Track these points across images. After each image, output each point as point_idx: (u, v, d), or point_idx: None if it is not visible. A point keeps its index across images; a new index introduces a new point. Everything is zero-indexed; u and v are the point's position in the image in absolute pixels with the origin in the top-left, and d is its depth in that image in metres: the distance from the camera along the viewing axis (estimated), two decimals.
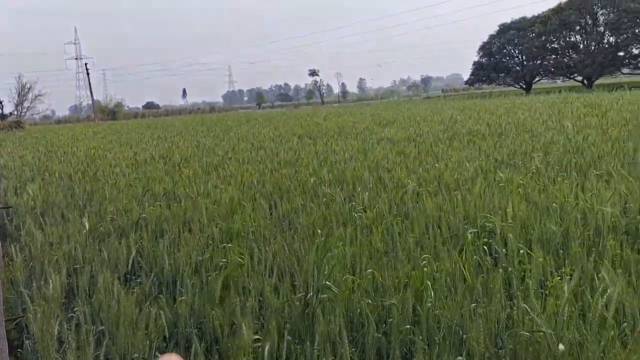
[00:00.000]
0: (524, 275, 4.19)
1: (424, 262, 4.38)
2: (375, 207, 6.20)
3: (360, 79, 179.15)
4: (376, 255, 4.78)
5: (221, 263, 4.68)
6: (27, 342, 3.74)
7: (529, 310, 3.29)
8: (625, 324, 3.40)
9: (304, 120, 27.68)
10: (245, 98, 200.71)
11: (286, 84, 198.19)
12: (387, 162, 9.52)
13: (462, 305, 3.63)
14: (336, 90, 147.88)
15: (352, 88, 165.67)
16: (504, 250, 4.74)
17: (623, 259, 4.32)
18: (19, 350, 3.75)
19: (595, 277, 4.02)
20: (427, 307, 3.59)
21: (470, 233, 5.05)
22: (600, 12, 49.20)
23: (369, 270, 4.28)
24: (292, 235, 5.30)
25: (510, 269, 4.24)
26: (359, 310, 3.74)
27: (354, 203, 6.50)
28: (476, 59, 57.85)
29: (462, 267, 4.27)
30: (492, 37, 56.79)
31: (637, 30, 46.67)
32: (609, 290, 3.72)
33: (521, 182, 7.11)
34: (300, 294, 3.98)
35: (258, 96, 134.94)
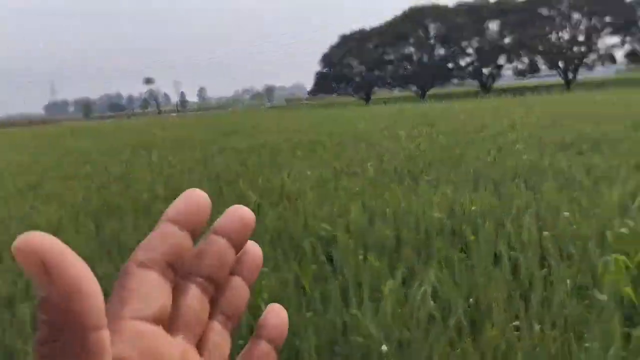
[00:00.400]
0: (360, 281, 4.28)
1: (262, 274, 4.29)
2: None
3: (201, 87, 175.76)
4: None
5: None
6: None
7: (359, 316, 3.34)
8: (451, 320, 3.61)
9: (138, 131, 26.52)
10: (72, 109, 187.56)
11: (118, 93, 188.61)
12: (229, 174, 9.36)
13: (298, 315, 3.61)
14: (174, 99, 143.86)
15: (192, 97, 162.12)
16: (343, 256, 4.84)
17: (448, 258, 4.60)
18: None
19: (426, 277, 4.23)
20: None
21: (309, 242, 5.07)
22: (432, 26, 53.59)
23: None
24: (120, 258, 4.93)
25: (347, 275, 4.32)
26: None
27: None
28: (319, 69, 59.82)
29: (299, 277, 4.26)
30: (332, 47, 59.10)
31: (463, 44, 51.54)
32: (429, 288, 3.96)
33: (359, 189, 7.37)
34: None
35: (84, 107, 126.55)
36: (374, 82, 55.99)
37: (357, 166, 9.31)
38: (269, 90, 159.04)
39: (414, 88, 54.43)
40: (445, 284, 3.90)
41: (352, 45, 56.16)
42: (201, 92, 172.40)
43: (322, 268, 4.63)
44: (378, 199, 6.79)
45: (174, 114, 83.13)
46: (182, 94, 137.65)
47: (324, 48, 67.09)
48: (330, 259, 4.92)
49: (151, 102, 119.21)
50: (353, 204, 6.49)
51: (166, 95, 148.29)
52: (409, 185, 7.51)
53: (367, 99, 56.16)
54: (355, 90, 57.73)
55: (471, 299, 3.84)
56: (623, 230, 4.48)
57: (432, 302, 3.81)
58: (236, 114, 51.42)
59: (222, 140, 16.69)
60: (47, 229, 6.05)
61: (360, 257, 4.74)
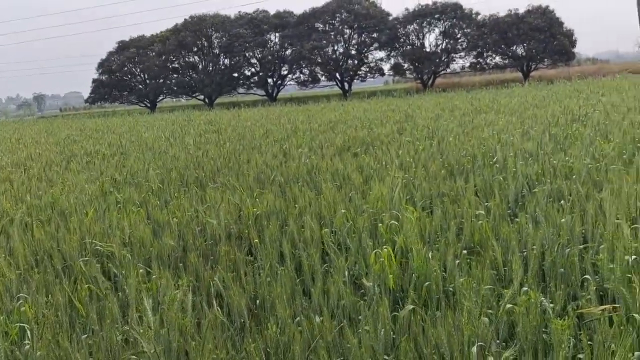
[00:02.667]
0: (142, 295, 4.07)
1: (20, 301, 3.86)
2: None
3: None
4: None
5: None
6: None
7: (136, 332, 3.17)
8: (236, 323, 3.63)
9: None
10: None
11: None
12: None
13: (70, 339, 3.31)
14: None
15: None
16: (122, 272, 4.57)
17: (235, 262, 4.62)
18: None
19: (211, 283, 4.20)
20: (25, 350, 3.15)
21: (85, 260, 4.70)
22: (214, 36, 53.66)
23: None
24: None
25: (127, 290, 4.08)
26: None
27: None
28: (95, 76, 55.86)
29: (73, 298, 3.92)
30: (111, 54, 55.79)
31: (247, 54, 52.54)
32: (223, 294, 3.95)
33: (141, 200, 7.06)
34: None
35: None
36: (159, 90, 54.26)
37: (142, 176, 8.91)
38: (39, 99, 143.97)
39: (201, 97, 54.06)
40: (231, 288, 3.90)
41: (132, 53, 53.65)
42: None
43: (99, 286, 4.32)
44: (164, 208, 6.58)
45: None
46: None
47: (102, 54, 63.17)
48: (109, 276, 4.63)
49: None
50: (135, 215, 6.20)
51: None
52: (196, 193, 7.41)
53: (153, 107, 54.26)
54: (139, 99, 55.31)
55: (258, 300, 3.90)
56: (393, 222, 4.95)
57: (217, 309, 3.79)
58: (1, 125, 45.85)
59: None
60: None
61: (141, 270, 4.53)
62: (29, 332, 3.38)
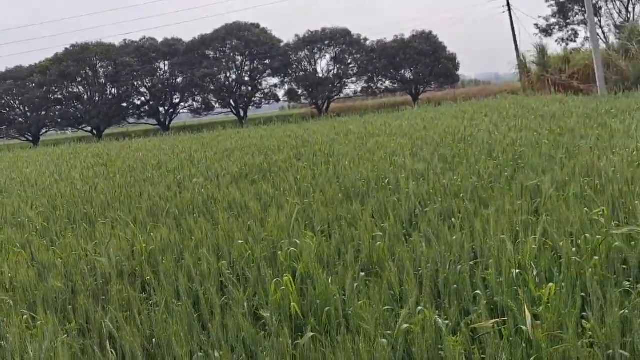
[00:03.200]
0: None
1: None
2: None
3: None
4: None
5: None
6: None
7: None
8: None
9: None
10: None
11: None
12: None
13: None
14: None
15: None
16: (3, 319, 4.22)
17: (129, 301, 4.42)
18: None
19: (103, 325, 3.97)
20: None
21: None
22: (99, 65, 51.60)
23: None
24: None
25: (10, 338, 3.77)
26: None
27: None
28: None
29: None
30: None
31: (135, 83, 50.97)
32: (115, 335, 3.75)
33: (24, 241, 6.59)
34: None
35: None
36: (42, 123, 51.18)
37: (24, 216, 8.32)
38: None
39: (88, 128, 51.72)
40: (124, 328, 3.71)
41: (10, 84, 50.32)
42: None
43: None
44: (49, 248, 6.18)
45: None
46: None
47: None
48: None
49: None
50: (16, 258, 5.77)
51: None
52: (85, 230, 7.04)
53: (35, 140, 51.05)
54: (20, 132, 51.83)
55: (154, 339, 3.74)
56: (292, 249, 4.96)
57: (111, 351, 3.60)
58: None
59: None
60: None
61: (25, 316, 4.21)
62: None
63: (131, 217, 7.46)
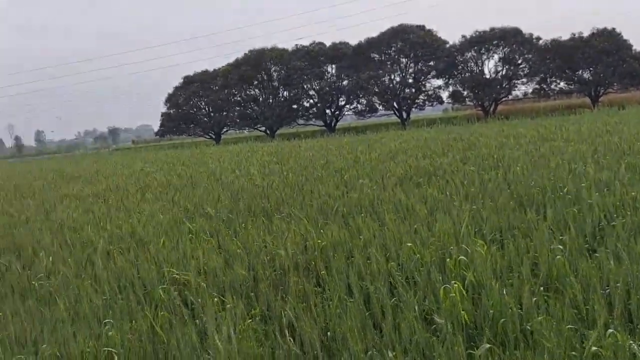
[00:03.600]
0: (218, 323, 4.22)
1: (107, 327, 4.07)
2: (61, 273, 5.61)
3: (38, 131, 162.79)
4: (62, 325, 4.29)
5: None
6: None
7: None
8: (308, 355, 3.69)
9: None
10: None
11: None
12: (73, 222, 8.76)
13: None
14: (9, 144, 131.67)
15: (29, 142, 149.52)
16: (199, 300, 4.74)
17: (305, 293, 4.72)
18: None
19: (282, 314, 4.29)
20: None
21: (163, 288, 4.92)
22: (273, 69, 55.04)
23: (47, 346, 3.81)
24: None
25: (205, 318, 4.24)
26: None
27: (33, 272, 5.78)
28: (164, 110, 58.46)
29: (154, 324, 4.11)
30: (177, 88, 58.21)
31: (305, 86, 53.52)
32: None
33: (212, 230, 7.29)
34: None
35: None
36: (223, 122, 55.98)
37: (211, 206, 9.20)
38: (114, 132, 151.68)
39: (263, 128, 55.35)
40: (303, 319, 3.98)
41: (196, 87, 55.80)
42: (39, 135, 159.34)
43: (178, 313, 4.50)
44: (233, 238, 6.77)
45: (11, 160, 75.75)
46: (18, 138, 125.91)
47: (169, 88, 66.01)
48: (186, 304, 4.80)
49: None
50: (207, 245, 6.42)
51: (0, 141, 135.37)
52: (264, 223, 7.59)
53: (218, 138, 56.01)
54: (205, 131, 57.26)
55: (329, 332, 3.96)
56: (462, 257, 4.90)
57: (290, 339, 3.87)
58: (77, 157, 48.37)
59: (64, 187, 15.57)
60: None
61: (216, 299, 4.69)
62: (116, 357, 3.56)
63: (303, 213, 7.88)
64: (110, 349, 3.76)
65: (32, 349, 3.99)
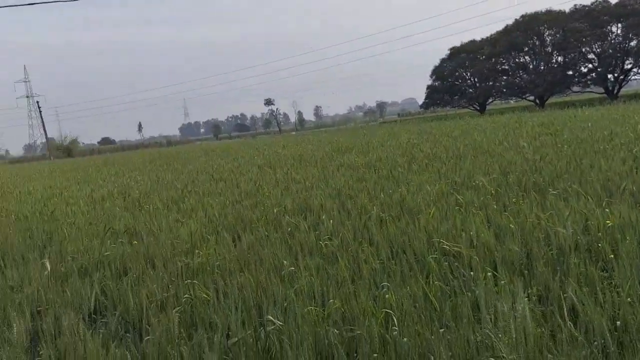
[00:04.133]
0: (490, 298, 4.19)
1: (384, 290, 4.35)
2: (340, 235, 6.17)
3: (317, 106, 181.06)
4: (343, 284, 4.74)
5: (185, 299, 4.57)
6: None
7: (493, 337, 3.28)
8: (595, 342, 3.43)
9: (262, 150, 27.67)
10: (202, 130, 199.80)
11: (242, 114, 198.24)
12: (349, 189, 9.53)
13: (431, 331, 3.62)
14: (293, 118, 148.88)
15: (309, 116, 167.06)
16: (471, 273, 4.76)
17: (588, 277, 4.38)
18: None
19: (562, 296, 4.05)
20: (393, 335, 3.57)
21: (434, 257, 5.06)
22: (547, 33, 51.17)
23: (334, 300, 4.23)
24: (257, 268, 5.21)
25: (477, 292, 4.24)
26: (327, 342, 3.68)
27: (318, 232, 6.46)
28: (429, 82, 59.22)
29: (427, 292, 4.26)
30: (443, 60, 58.30)
31: (583, 49, 48.64)
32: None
33: (480, 203, 7.21)
34: (271, 327, 3.88)
35: (215, 127, 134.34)
36: (488, 93, 54.39)
37: (478, 179, 9.08)
38: (381, 106, 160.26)
39: (531, 97, 52.23)
40: (587, 303, 3.71)
41: (462, 57, 55.07)
42: (317, 110, 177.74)
43: (448, 284, 4.59)
44: (502, 213, 6.60)
45: (294, 133, 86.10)
46: (300, 113, 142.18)
47: (434, 61, 66.63)
48: (454, 275, 4.86)
49: (272, 121, 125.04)
50: (476, 219, 6.36)
51: (285, 115, 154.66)
52: (535, 199, 7.22)
53: (482, 109, 54.74)
54: (469, 102, 56.46)
55: (618, 322, 3.62)
56: None
57: (570, 324, 3.64)
58: (349, 130, 52.23)
59: (339, 157, 17.00)
60: (190, 239, 6.54)
61: (489, 273, 4.63)
62: (394, 318, 3.80)
63: (582, 190, 7.26)
64: (387, 310, 4.02)
65: (319, 302, 4.49)
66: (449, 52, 58.70)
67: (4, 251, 7.29)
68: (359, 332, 3.71)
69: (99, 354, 3.70)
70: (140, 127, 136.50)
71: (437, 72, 58.27)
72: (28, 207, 11.86)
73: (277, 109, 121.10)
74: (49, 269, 5.80)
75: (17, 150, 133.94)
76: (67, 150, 78.53)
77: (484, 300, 4.04)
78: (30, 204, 12.70)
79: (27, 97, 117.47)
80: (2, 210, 11.79)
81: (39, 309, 4.93)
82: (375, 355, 3.52)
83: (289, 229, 6.74)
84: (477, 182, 8.87)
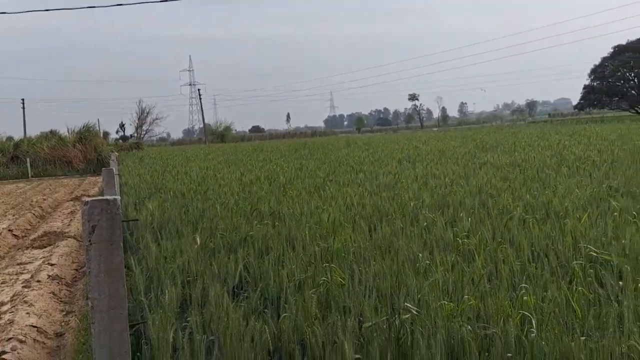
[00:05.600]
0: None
1: (523, 291, 4.22)
2: (479, 233, 6.07)
3: (462, 102, 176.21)
4: (479, 282, 4.68)
5: (322, 281, 4.79)
6: (145, 347, 4.02)
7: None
8: None
9: (403, 144, 27.61)
10: (346, 122, 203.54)
11: (385, 109, 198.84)
12: (491, 188, 9.28)
13: (571, 338, 3.48)
14: (436, 114, 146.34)
15: (453, 112, 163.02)
16: (620, 283, 4.48)
17: None
18: (137, 354, 4.02)
19: None
20: (530, 337, 3.48)
21: (579, 264, 4.81)
22: None
23: (469, 297, 4.20)
24: (391, 258, 5.32)
25: (625, 302, 3.99)
26: (459, 337, 3.68)
27: (456, 229, 6.40)
28: (587, 82, 55.02)
29: (570, 298, 4.09)
30: (605, 59, 53.78)
31: None
32: None
33: (637, 210, 6.67)
34: (407, 315, 3.94)
35: (358, 121, 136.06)
36: None
37: (635, 186, 8.39)
38: (531, 105, 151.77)
39: None
40: None
41: (627, 57, 50.29)
42: (462, 107, 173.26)
43: (594, 292, 4.36)
44: None
45: (436, 129, 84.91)
46: (444, 109, 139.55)
47: (594, 60, 61.78)
48: (601, 284, 4.59)
49: (415, 117, 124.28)
50: (631, 227, 5.92)
51: (429, 110, 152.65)
52: None
53: None
54: (630, 105, 51.56)
55: None
56: None
57: None
58: (495, 128, 50.29)
59: (482, 155, 16.53)
60: (330, 225, 6.81)
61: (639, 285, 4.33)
62: (533, 321, 3.70)
63: None
64: (525, 312, 3.91)
65: (454, 298, 4.47)
66: (612, 50, 54.05)
67: (162, 224, 8.05)
68: (493, 330, 3.68)
69: (240, 325, 3.98)
70: (288, 117, 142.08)
71: (596, 72, 53.97)
72: (185, 186, 12.97)
73: (420, 104, 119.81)
74: (198, 243, 6.32)
75: (177, 134, 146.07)
76: (221, 135, 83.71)
77: (631, 312, 3.80)
78: (187, 183, 13.85)
79: (190, 84, 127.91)
80: (163, 188, 13.02)
81: (188, 279, 5.40)
82: (510, 355, 3.46)
83: (425, 224, 6.76)
84: (634, 189, 8.21)
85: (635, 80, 51.21)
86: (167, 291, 4.84)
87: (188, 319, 4.28)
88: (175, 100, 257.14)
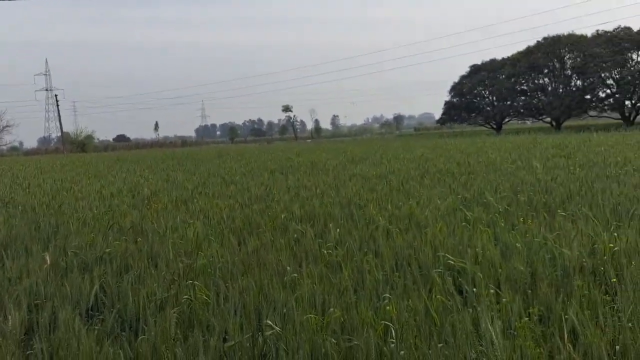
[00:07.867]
0: (492, 315, 4.14)
1: (386, 301, 4.31)
2: (346, 244, 6.15)
3: (334, 116, 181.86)
4: (345, 293, 4.71)
5: (185, 300, 4.57)
6: None
7: (491, 354, 3.24)
8: None
9: (276, 155, 27.73)
10: (218, 132, 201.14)
11: (259, 119, 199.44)
12: (359, 199, 9.52)
13: (429, 345, 3.59)
14: (309, 126, 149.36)
15: (326, 125, 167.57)
16: (473, 289, 4.72)
17: (591, 300, 4.32)
18: None
19: (563, 317, 4.00)
20: (390, 347, 3.54)
21: (438, 272, 5.02)
22: (567, 57, 51.01)
23: (335, 309, 4.20)
24: (259, 272, 5.21)
25: (479, 308, 4.20)
26: (323, 351, 3.65)
27: (323, 240, 6.44)
28: (447, 98, 59.21)
29: (429, 307, 4.23)
30: (463, 77, 58.30)
31: (602, 75, 48.32)
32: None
33: (489, 220, 7.16)
34: (270, 332, 3.86)
35: (231, 131, 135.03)
36: (506, 112, 54.26)
37: (488, 196, 9.02)
38: (398, 119, 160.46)
39: (547, 119, 52.03)
40: (587, 326, 3.66)
41: (482, 75, 55.03)
42: (334, 119, 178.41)
43: (451, 299, 4.55)
44: (510, 231, 6.55)
45: (309, 140, 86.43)
46: (317, 122, 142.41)
47: (453, 77, 66.63)
48: (459, 291, 4.82)
49: (288, 128, 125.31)
50: (483, 235, 6.32)
51: (302, 122, 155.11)
52: (544, 219, 7.16)
53: (498, 128, 54.54)
54: (486, 120, 56.33)
55: (617, 346, 3.57)
56: None
57: (570, 346, 3.59)
58: (365, 141, 52.24)
59: (352, 167, 17.00)
60: (195, 240, 6.55)
61: (492, 291, 4.60)
62: (392, 331, 3.78)
63: (592, 213, 7.20)
64: (387, 322, 3.99)
65: (320, 310, 4.46)
66: (469, 69, 58.71)
67: (8, 243, 7.32)
68: (356, 342, 3.69)
69: (92, 351, 3.69)
70: (156, 126, 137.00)
71: (456, 89, 58.24)
72: (37, 199, 11.96)
73: (294, 116, 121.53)
74: (48, 262, 5.81)
75: (31, 143, 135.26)
76: (81, 145, 79.12)
77: (484, 317, 4.00)
78: (39, 196, 12.79)
79: (46, 90, 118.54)
80: (10, 202, 11.89)
81: (36, 302, 4.93)
82: None
83: (295, 236, 6.74)
84: (489, 198, 8.82)
85: (490, 98, 56.00)
86: (10, 317, 4.36)
87: (34, 346, 3.87)
88: (28, 107, 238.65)
